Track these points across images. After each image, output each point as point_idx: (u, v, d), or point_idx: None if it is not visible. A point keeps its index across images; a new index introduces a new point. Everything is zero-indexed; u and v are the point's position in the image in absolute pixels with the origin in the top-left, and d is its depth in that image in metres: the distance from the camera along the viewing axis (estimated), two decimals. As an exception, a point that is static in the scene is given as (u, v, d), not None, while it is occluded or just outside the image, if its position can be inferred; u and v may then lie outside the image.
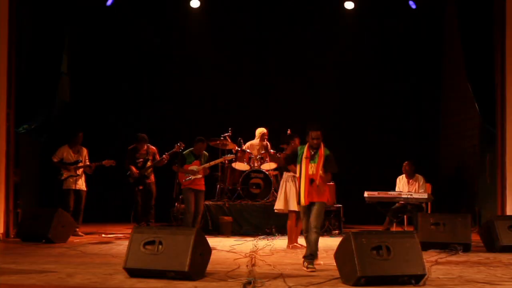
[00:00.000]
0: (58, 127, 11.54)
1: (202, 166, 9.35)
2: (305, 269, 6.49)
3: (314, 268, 6.48)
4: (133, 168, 10.24)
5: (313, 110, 12.88)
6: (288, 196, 8.39)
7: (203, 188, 9.50)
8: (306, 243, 6.77)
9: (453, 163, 12.99)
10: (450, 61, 12.74)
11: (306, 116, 12.82)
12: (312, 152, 6.70)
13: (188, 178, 9.26)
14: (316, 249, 6.68)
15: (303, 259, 6.68)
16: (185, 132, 11.33)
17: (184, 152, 9.53)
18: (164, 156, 10.11)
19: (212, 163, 9.57)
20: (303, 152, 6.76)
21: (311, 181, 6.60)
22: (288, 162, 7.54)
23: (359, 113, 13.02)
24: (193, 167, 9.32)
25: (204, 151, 9.50)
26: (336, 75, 12.99)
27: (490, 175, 10.30)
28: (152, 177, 10.46)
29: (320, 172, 6.65)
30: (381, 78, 13.05)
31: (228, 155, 10.33)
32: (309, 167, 6.66)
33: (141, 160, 10.31)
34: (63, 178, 9.95)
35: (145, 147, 10.40)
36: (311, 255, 6.60)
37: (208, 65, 12.99)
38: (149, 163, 10.33)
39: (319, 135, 6.70)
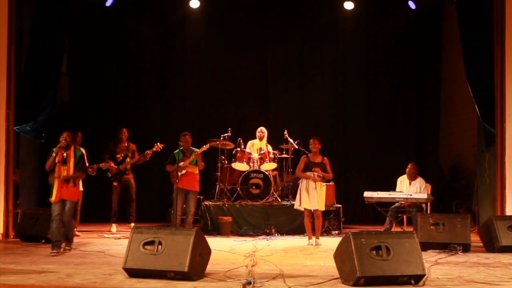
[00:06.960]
0: (57, 126, 11.47)
1: (188, 160, 9.31)
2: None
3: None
4: (112, 163, 10.32)
5: (311, 110, 12.90)
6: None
7: (195, 188, 9.42)
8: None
9: (452, 163, 13.01)
10: (449, 61, 12.73)
11: (304, 116, 12.89)
12: None
13: (180, 173, 9.21)
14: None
15: None
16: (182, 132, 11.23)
17: (175, 151, 9.47)
18: (147, 152, 10.20)
19: (192, 157, 9.38)
20: None
21: None
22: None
23: (358, 113, 12.98)
24: (180, 163, 9.28)
25: (192, 147, 9.47)
26: (334, 75, 12.98)
27: (490, 175, 10.28)
28: (131, 174, 10.61)
29: None
30: (380, 78, 12.99)
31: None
32: None
33: (121, 155, 10.46)
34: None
35: (126, 143, 10.60)
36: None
37: (207, 65, 12.96)
38: (128, 160, 10.44)
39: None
